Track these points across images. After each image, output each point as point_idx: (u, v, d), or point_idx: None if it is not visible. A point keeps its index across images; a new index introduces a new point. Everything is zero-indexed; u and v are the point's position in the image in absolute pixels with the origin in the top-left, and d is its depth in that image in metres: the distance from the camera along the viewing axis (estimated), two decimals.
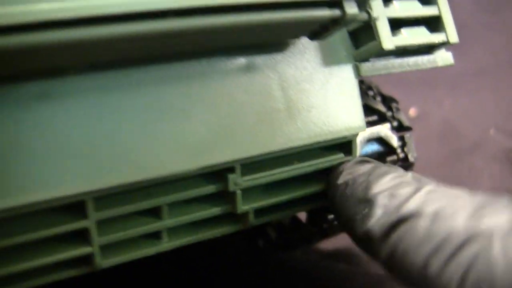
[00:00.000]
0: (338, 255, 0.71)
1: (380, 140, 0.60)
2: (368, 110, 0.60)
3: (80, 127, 0.40)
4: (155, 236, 0.45)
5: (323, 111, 0.48)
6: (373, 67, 0.51)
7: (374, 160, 0.49)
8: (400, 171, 0.46)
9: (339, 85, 0.50)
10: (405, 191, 0.42)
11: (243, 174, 0.46)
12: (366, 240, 0.42)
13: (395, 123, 0.61)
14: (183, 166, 0.43)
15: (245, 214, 0.47)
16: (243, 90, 0.45)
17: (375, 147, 0.59)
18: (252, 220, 0.48)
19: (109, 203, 0.42)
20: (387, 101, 0.62)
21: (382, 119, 0.60)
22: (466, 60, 1.17)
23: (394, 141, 0.60)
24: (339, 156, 0.51)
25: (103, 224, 0.42)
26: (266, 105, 0.46)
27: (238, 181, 0.46)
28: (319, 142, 0.48)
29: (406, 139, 0.62)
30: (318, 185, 0.50)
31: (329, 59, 0.49)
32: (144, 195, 0.44)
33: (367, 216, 0.42)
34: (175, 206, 0.45)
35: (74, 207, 0.41)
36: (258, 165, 0.47)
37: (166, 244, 0.45)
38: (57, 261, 0.41)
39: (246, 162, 0.46)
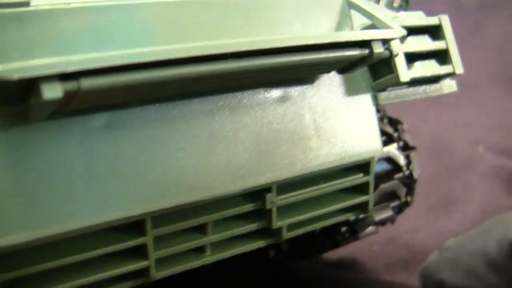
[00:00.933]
0: (343, 263, 0.76)
1: (389, 159, 0.65)
2: None
3: (142, 154, 0.44)
4: (200, 250, 0.50)
5: (347, 137, 0.54)
6: (389, 96, 0.57)
7: None
8: None
9: (360, 113, 0.55)
10: None
11: (278, 193, 0.51)
12: None
13: (401, 143, 0.67)
14: (230, 188, 0.48)
15: (279, 229, 0.53)
16: (279, 118, 0.50)
17: (384, 166, 0.65)
18: (285, 234, 0.53)
19: (164, 221, 0.47)
20: (393, 123, 0.68)
21: (389, 139, 0.66)
22: None
23: (401, 160, 0.66)
24: (358, 176, 0.56)
25: (158, 240, 0.47)
26: (299, 132, 0.51)
27: (274, 200, 0.51)
28: (343, 165, 0.54)
29: (411, 158, 0.68)
30: (341, 202, 0.56)
31: (351, 90, 0.55)
32: (193, 213, 0.49)
33: None
34: (218, 223, 0.50)
35: (134, 225, 0.45)
36: (291, 185, 0.53)
37: (209, 257, 0.50)
38: (116, 275, 0.45)
39: (281, 183, 0.51)
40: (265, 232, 0.53)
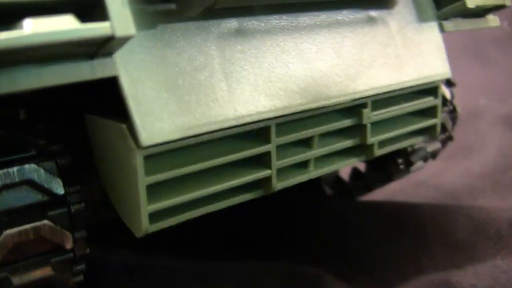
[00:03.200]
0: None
1: None
2: None
3: (270, 59, 0.45)
4: (303, 165, 0.51)
5: (424, 60, 0.57)
6: (452, 25, 0.61)
7: None
8: None
9: (430, 39, 0.59)
10: None
11: (373, 109, 0.54)
12: None
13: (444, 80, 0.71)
14: (340, 97, 0.50)
15: (371, 146, 0.55)
16: (371, 38, 0.53)
17: None
18: (376, 151, 0.55)
19: (285, 131, 0.48)
20: None
21: None
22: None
23: (448, 94, 0.70)
24: (429, 99, 0.60)
25: (278, 151, 0.48)
26: (389, 52, 0.54)
27: (369, 115, 0.53)
28: (419, 85, 0.57)
29: (454, 94, 0.72)
30: (417, 123, 0.59)
31: (421, 18, 0.58)
32: (301, 126, 0.50)
33: None
34: (320, 138, 0.52)
35: (259, 134, 0.46)
36: (381, 103, 0.55)
37: (313, 172, 0.52)
38: (239, 184, 0.46)
39: (374, 100, 0.53)
40: (359, 149, 0.55)
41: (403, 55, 0.55)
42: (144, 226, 0.41)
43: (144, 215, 0.40)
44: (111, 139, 0.42)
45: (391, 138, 0.57)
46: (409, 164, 0.70)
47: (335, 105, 0.51)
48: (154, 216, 0.42)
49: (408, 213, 0.68)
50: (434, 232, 0.65)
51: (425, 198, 0.81)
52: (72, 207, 0.43)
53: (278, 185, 0.49)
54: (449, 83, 0.72)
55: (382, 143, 0.56)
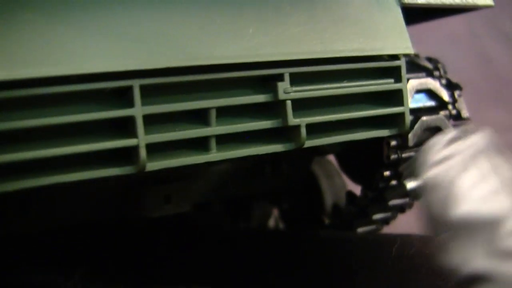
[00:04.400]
0: None
1: (430, 93, 0.58)
2: (414, 66, 0.59)
3: (133, 7, 0.40)
4: (204, 146, 0.43)
5: (369, 27, 0.48)
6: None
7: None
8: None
9: (382, 9, 0.49)
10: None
11: (293, 84, 0.45)
12: None
13: (443, 81, 0.60)
14: (233, 58, 0.42)
15: (296, 130, 0.45)
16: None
17: (424, 99, 0.57)
18: (303, 136, 0.45)
19: (156, 99, 0.41)
20: (433, 61, 0.61)
21: (429, 75, 0.59)
22: None
23: (445, 95, 0.58)
24: (388, 81, 0.49)
25: (149, 123, 0.40)
26: (316, 14, 0.46)
27: (287, 89, 0.44)
28: (366, 57, 0.47)
29: (456, 96, 0.59)
30: (370, 110, 0.49)
31: None
32: (193, 98, 0.42)
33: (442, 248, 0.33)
34: (223, 114, 0.43)
35: (119, 96, 0.40)
36: (307, 77, 0.46)
37: (215, 154, 0.43)
38: (95, 150, 0.39)
39: (294, 72, 0.45)
40: (283, 133, 0.46)
41: (339, 23, 0.47)
42: None
43: None
44: None
45: (333, 124, 0.47)
46: (400, 177, 0.57)
47: (240, 77, 0.43)
48: None
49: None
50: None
51: None
52: None
53: (152, 164, 0.40)
54: (450, 84, 0.60)
55: (314, 129, 0.46)
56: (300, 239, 0.65)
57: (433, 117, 0.57)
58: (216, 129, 0.43)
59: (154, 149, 0.41)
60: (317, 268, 0.59)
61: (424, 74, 0.59)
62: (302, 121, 0.45)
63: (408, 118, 0.50)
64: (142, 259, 0.63)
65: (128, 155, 0.40)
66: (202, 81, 0.42)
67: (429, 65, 0.60)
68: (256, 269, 0.61)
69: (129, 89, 0.39)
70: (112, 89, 0.39)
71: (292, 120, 0.45)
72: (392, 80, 0.49)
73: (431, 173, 0.35)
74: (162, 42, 0.40)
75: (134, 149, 0.40)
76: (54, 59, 0.36)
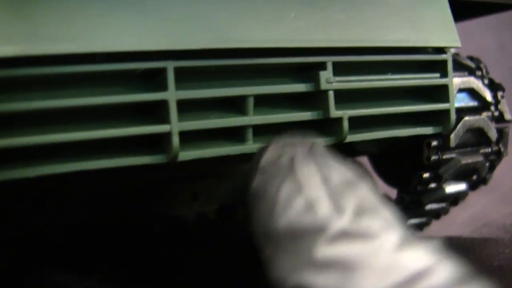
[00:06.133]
0: None
1: (473, 93, 0.55)
2: (455, 64, 0.56)
3: None
4: (239, 136, 0.40)
5: (414, 17, 0.45)
6: None
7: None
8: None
9: (429, 1, 0.46)
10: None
11: (335, 74, 0.42)
12: None
13: (486, 81, 0.56)
14: (271, 42, 0.39)
15: (338, 123, 0.42)
16: None
17: (467, 98, 0.54)
18: (345, 130, 0.42)
19: (190, 84, 0.38)
20: (475, 60, 0.58)
21: (470, 74, 0.56)
22: None
23: (488, 95, 0.55)
24: (434, 75, 0.46)
25: (182, 110, 0.38)
26: (356, 2, 0.43)
27: (330, 79, 0.41)
28: (410, 48, 0.44)
29: (499, 97, 0.56)
30: (414, 105, 0.45)
31: None
32: (228, 85, 0.39)
33: (269, 260, 0.32)
34: (261, 103, 0.40)
35: (150, 79, 0.37)
36: (350, 68, 0.43)
37: (251, 146, 0.40)
38: (123, 136, 0.35)
39: (338, 61, 0.42)
40: (324, 125, 0.43)
41: (383, 12, 0.44)
42: None
43: None
44: None
45: (375, 118, 0.44)
46: (439, 180, 0.54)
47: (280, 64, 0.40)
48: None
49: None
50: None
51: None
52: None
53: (185, 153, 0.37)
54: (493, 84, 0.57)
55: (356, 123, 0.43)
56: None
57: (476, 117, 0.54)
58: (253, 118, 0.40)
59: (186, 138, 0.38)
60: None
61: (466, 72, 0.56)
62: (345, 113, 0.42)
63: (454, 115, 0.47)
64: (161, 263, 0.60)
65: (158, 142, 0.37)
66: (239, 67, 0.39)
67: (471, 64, 0.57)
68: None
69: (163, 71, 0.36)
70: (144, 70, 0.36)
71: (334, 112, 0.42)
72: (437, 75, 0.46)
73: (255, 182, 0.34)
74: (198, 22, 0.37)
75: (166, 136, 0.37)
76: (79, 34, 0.34)
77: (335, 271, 0.28)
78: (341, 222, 0.29)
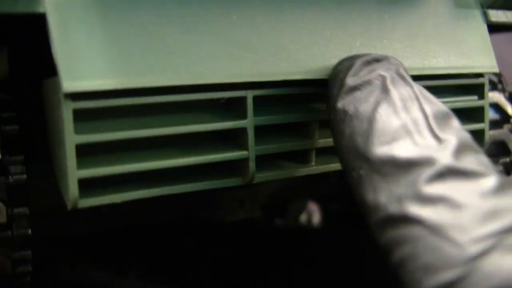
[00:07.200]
0: None
1: (495, 105, 0.58)
2: None
3: (250, 22, 0.39)
4: (303, 158, 0.43)
5: (459, 45, 0.48)
6: (498, 14, 0.51)
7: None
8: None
9: (470, 28, 0.49)
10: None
11: None
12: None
13: (506, 94, 0.60)
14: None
15: None
16: (392, 16, 0.45)
17: (491, 112, 0.58)
18: None
19: (264, 111, 0.40)
20: (497, 74, 0.62)
21: (493, 88, 0.60)
22: None
23: (509, 109, 0.59)
24: (472, 98, 0.50)
25: (257, 134, 0.40)
26: (411, 34, 0.45)
27: None
28: (455, 76, 0.48)
29: None
30: None
31: (460, 3, 0.49)
32: (296, 109, 0.42)
33: (363, 182, 0.31)
34: (323, 127, 0.43)
35: (232, 107, 0.39)
36: None
37: (314, 167, 0.43)
38: (199, 163, 0.38)
39: None
40: None
41: (433, 41, 0.47)
42: (72, 195, 0.34)
43: (73, 181, 0.34)
44: (52, 99, 0.37)
45: None
46: None
47: None
48: (87, 187, 0.35)
49: None
50: None
51: None
52: (11, 177, 0.37)
53: (259, 175, 0.40)
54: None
55: None
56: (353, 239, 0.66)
57: (499, 131, 0.57)
58: (317, 142, 0.43)
59: (262, 160, 0.40)
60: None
61: (489, 87, 0.59)
62: None
63: (488, 134, 0.50)
64: (197, 261, 0.63)
65: (234, 166, 0.40)
66: (306, 95, 0.42)
67: (494, 78, 0.60)
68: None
69: (242, 99, 0.39)
70: (228, 99, 0.38)
71: None
72: (475, 97, 0.50)
73: (347, 100, 0.33)
74: (275, 54, 0.39)
75: (243, 161, 0.39)
76: (171, 67, 0.36)
77: (443, 206, 0.28)
78: (446, 158, 0.29)
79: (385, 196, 0.30)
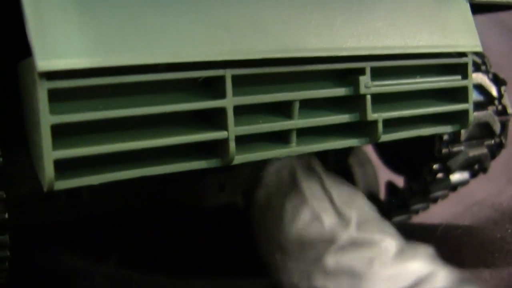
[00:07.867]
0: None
1: (480, 88, 0.58)
2: None
3: (228, 0, 0.38)
4: (283, 138, 0.42)
5: (441, 24, 0.47)
6: None
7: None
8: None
9: (453, 6, 0.49)
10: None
11: (373, 79, 0.44)
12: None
13: (490, 76, 0.60)
14: (320, 51, 0.41)
15: (374, 125, 0.45)
16: None
17: (475, 94, 0.58)
18: (380, 131, 0.45)
19: (244, 90, 0.40)
20: (480, 55, 0.61)
21: (477, 69, 0.59)
22: None
23: (493, 90, 0.59)
24: (455, 78, 0.49)
25: (237, 115, 0.39)
26: (397, 12, 0.45)
27: (368, 84, 0.44)
28: (439, 55, 0.47)
29: (503, 91, 0.60)
30: (438, 106, 0.49)
31: None
32: (276, 90, 0.41)
33: (279, 267, 0.35)
34: (305, 107, 0.43)
35: (212, 85, 0.38)
36: (386, 72, 0.45)
37: (295, 148, 0.43)
38: (179, 143, 0.37)
39: (375, 66, 0.44)
40: (360, 127, 0.45)
41: (415, 19, 0.46)
42: (48, 176, 0.33)
43: (48, 162, 0.33)
44: (28, 80, 0.36)
45: (403, 118, 0.47)
46: (447, 171, 0.58)
47: (323, 70, 0.42)
48: (63, 168, 0.34)
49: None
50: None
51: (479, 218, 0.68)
52: None
53: (241, 156, 0.40)
54: (496, 79, 0.60)
55: (390, 124, 0.46)
56: None
57: (484, 112, 0.57)
58: (298, 122, 0.42)
59: (242, 141, 0.40)
60: None
61: (473, 68, 0.59)
62: (380, 116, 0.45)
63: (472, 115, 0.50)
64: (177, 247, 0.62)
65: (213, 146, 0.39)
66: (287, 73, 0.41)
67: (477, 59, 0.60)
68: None
69: (221, 79, 0.38)
70: (204, 78, 0.38)
71: (371, 115, 0.44)
72: (459, 77, 0.49)
73: (260, 194, 0.37)
74: (254, 32, 0.39)
75: (223, 141, 0.39)
76: (148, 46, 0.35)
77: (346, 277, 0.32)
78: (348, 232, 0.33)
79: (298, 275, 0.33)
